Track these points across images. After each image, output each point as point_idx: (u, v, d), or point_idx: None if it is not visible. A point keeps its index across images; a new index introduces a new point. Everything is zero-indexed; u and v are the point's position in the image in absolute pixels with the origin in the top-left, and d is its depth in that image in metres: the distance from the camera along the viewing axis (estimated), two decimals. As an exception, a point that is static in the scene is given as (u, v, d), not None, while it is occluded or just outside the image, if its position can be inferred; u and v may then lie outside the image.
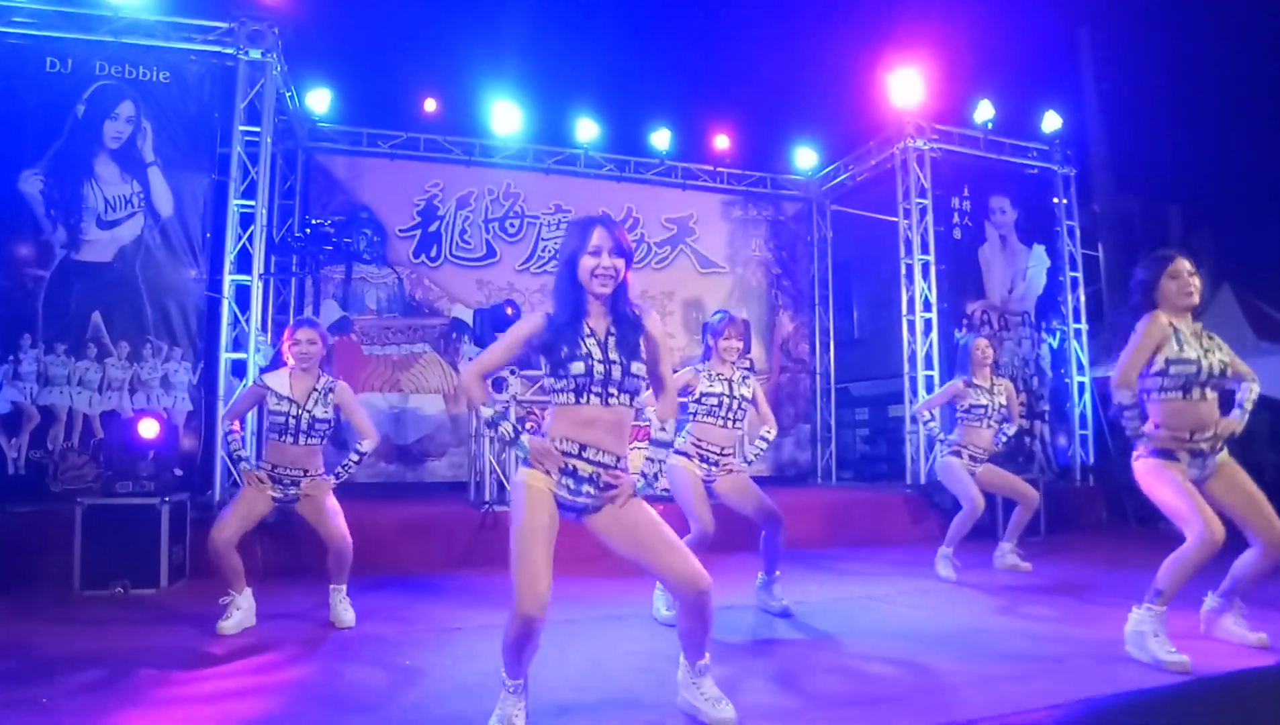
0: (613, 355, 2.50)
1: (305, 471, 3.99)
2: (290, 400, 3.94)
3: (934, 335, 8.00)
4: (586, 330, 2.52)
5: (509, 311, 6.48)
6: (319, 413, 3.98)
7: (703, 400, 4.21)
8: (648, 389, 2.73)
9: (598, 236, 2.51)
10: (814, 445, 9.83)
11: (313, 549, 5.18)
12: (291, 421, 3.94)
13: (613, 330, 2.53)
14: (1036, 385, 8.50)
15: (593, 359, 2.47)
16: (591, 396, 2.49)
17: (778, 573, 4.33)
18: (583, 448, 2.50)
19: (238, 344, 6.04)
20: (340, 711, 2.76)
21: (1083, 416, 8.66)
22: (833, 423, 10.00)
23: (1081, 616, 4.11)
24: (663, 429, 2.66)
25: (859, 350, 13.45)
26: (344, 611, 4.01)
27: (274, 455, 3.98)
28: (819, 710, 2.76)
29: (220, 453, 5.82)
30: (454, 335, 8.32)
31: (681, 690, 2.72)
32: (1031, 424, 8.37)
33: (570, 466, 2.50)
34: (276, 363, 4.54)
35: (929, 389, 7.94)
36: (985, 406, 5.34)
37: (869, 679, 3.14)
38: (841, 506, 7.32)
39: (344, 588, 4.10)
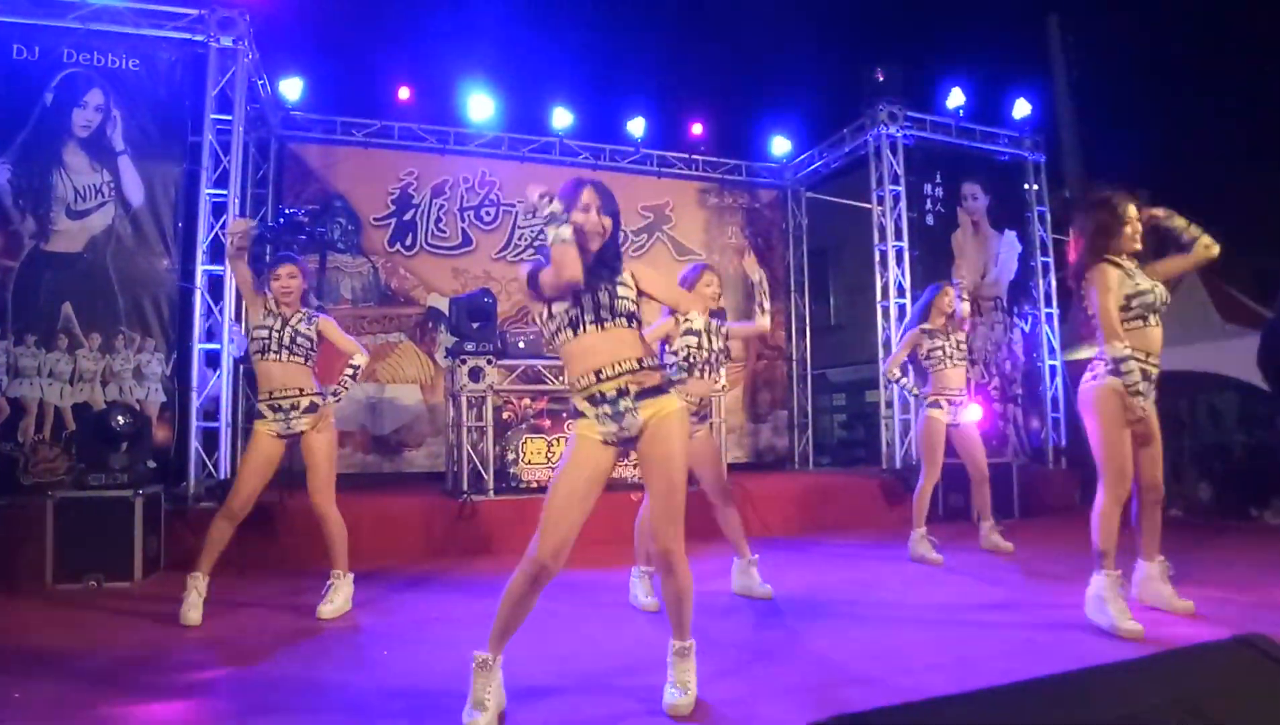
0: (599, 281, 2.60)
1: (300, 390, 4.03)
2: (274, 314, 4.04)
3: (908, 321, 8.08)
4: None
5: (486, 300, 6.48)
6: (302, 328, 4.06)
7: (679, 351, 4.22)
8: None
9: (587, 196, 2.65)
10: (791, 431, 9.92)
11: (292, 539, 5.22)
12: (275, 335, 4.01)
13: (593, 268, 2.61)
14: (1009, 369, 8.64)
15: (577, 290, 2.58)
16: (586, 324, 2.59)
17: (754, 555, 4.39)
18: (598, 372, 2.58)
19: (211, 334, 5.99)
20: (314, 704, 2.77)
21: (1054, 399, 8.81)
22: (809, 409, 10.08)
23: (1052, 595, 4.21)
24: (688, 319, 2.70)
25: (836, 336, 13.58)
26: (326, 603, 4.02)
27: (265, 381, 4.04)
28: (787, 695, 2.81)
29: (195, 444, 5.79)
30: (430, 324, 8.29)
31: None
32: (1004, 407, 8.50)
33: (598, 394, 2.58)
34: None
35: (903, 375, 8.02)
36: (942, 347, 5.44)
37: (838, 663, 3.19)
38: (817, 492, 7.41)
39: (341, 573, 4.11)
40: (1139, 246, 3.64)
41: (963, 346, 5.56)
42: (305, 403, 4.04)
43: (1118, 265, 3.59)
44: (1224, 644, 1.45)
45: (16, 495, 5.37)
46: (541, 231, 2.58)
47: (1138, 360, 3.52)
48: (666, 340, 4.24)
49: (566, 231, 2.50)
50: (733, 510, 4.35)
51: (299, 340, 4.05)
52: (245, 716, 2.63)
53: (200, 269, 5.96)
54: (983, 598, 4.28)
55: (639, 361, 2.61)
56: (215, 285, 6.02)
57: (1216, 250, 3.64)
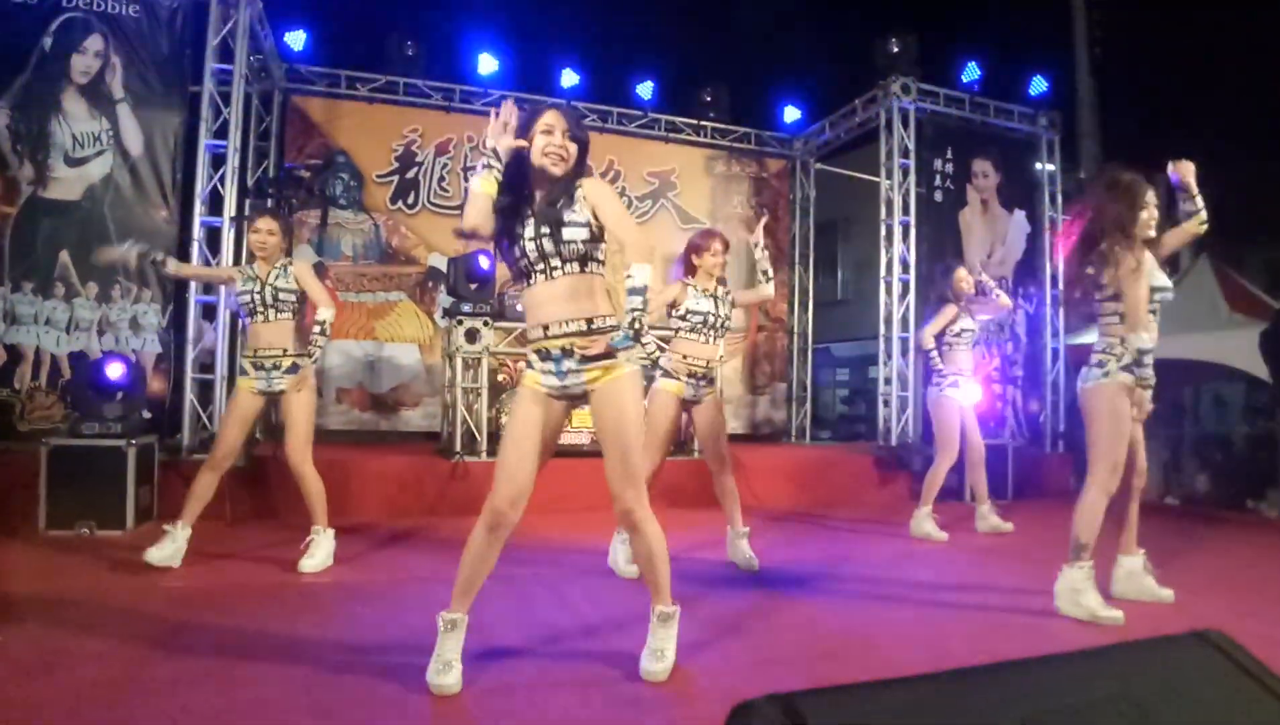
0: (543, 228, 2.47)
1: (284, 350, 4.09)
2: (254, 277, 4.08)
3: (911, 297, 8.02)
4: (528, 212, 2.52)
5: (484, 262, 6.44)
6: (280, 283, 4.08)
7: (688, 317, 4.22)
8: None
9: (550, 117, 2.51)
10: (789, 404, 9.90)
11: (284, 494, 5.25)
12: (257, 297, 4.07)
13: (543, 210, 2.47)
14: (1011, 350, 8.57)
15: (523, 238, 2.48)
16: (535, 275, 2.51)
17: (746, 528, 4.40)
18: (545, 327, 2.52)
19: (208, 287, 5.98)
20: (283, 658, 2.78)
21: (1055, 383, 8.75)
22: (809, 382, 10.05)
23: (1037, 578, 4.20)
24: (630, 276, 2.45)
25: (843, 311, 13.51)
26: (307, 558, 4.07)
27: (253, 339, 4.12)
28: (758, 668, 2.83)
29: (190, 396, 5.80)
30: (430, 284, 8.26)
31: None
32: (1004, 389, 8.45)
33: (544, 350, 2.53)
34: None
35: (904, 352, 7.99)
36: (972, 330, 5.44)
37: (814, 637, 3.20)
38: (811, 466, 7.41)
39: (321, 529, 4.17)
40: (1154, 234, 3.56)
41: (976, 329, 5.57)
42: (287, 363, 4.09)
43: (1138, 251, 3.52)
44: (1180, 638, 1.44)
45: (13, 441, 5.42)
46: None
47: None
48: (673, 305, 4.24)
49: (479, 183, 2.40)
50: (730, 479, 4.36)
51: (281, 296, 4.08)
52: (213, 668, 2.65)
53: (198, 220, 5.93)
54: (966, 578, 4.29)
55: (588, 322, 2.49)
56: (213, 237, 5.98)
57: (1206, 227, 3.58)
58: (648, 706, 2.41)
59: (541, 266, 2.49)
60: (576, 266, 2.49)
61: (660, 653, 2.62)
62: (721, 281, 4.32)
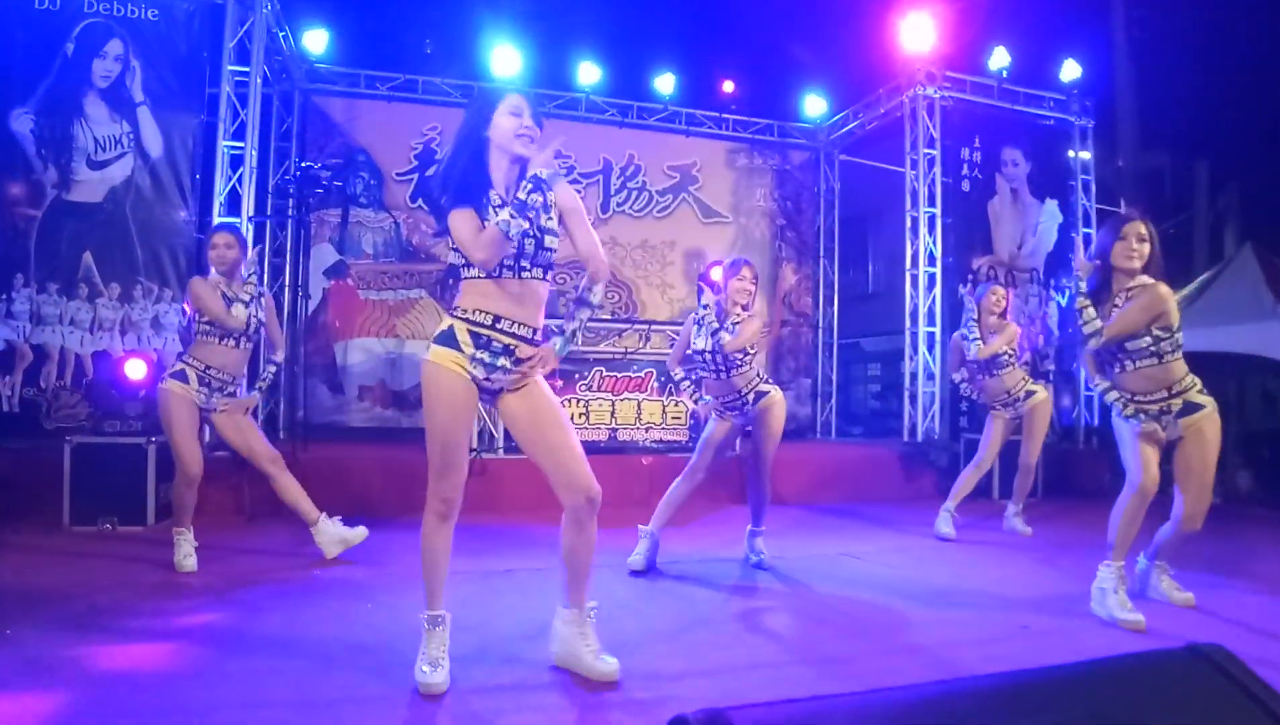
0: (528, 231, 2.39)
1: (233, 378, 4.09)
2: (231, 300, 3.95)
3: (938, 290, 7.85)
4: (496, 200, 2.43)
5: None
6: (259, 315, 4.05)
7: (698, 355, 4.20)
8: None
9: (515, 99, 2.48)
10: (814, 400, 9.76)
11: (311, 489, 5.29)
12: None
13: (520, 198, 2.36)
14: (1042, 344, 8.35)
15: (500, 230, 2.34)
16: (504, 268, 2.44)
17: (763, 527, 4.34)
18: (497, 319, 2.45)
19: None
20: (284, 652, 2.79)
21: (1088, 378, 8.49)
22: (834, 377, 9.89)
23: (1058, 580, 4.08)
24: (591, 292, 2.56)
25: (873, 304, 13.25)
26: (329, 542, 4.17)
27: (209, 356, 3.99)
28: (758, 669, 2.75)
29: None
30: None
31: (558, 642, 2.64)
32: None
33: (484, 337, 2.45)
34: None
35: (930, 346, 7.83)
36: (1005, 353, 5.31)
37: (822, 638, 3.13)
38: (834, 462, 7.29)
39: (310, 523, 4.23)
40: (1133, 265, 3.40)
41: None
42: (230, 389, 4.12)
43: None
44: (1175, 653, 1.33)
45: (40, 439, 5.53)
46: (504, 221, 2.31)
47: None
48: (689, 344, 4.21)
49: (511, 225, 2.30)
50: (764, 483, 4.29)
51: (253, 325, 4.03)
52: (217, 660, 2.67)
53: (217, 221, 5.99)
54: (985, 580, 4.15)
55: (534, 331, 2.51)
56: (232, 237, 6.04)
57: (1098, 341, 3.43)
58: (635, 709, 2.35)
59: (512, 264, 2.44)
60: (541, 273, 2.51)
61: (602, 650, 2.59)
62: (745, 307, 4.22)
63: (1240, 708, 1.24)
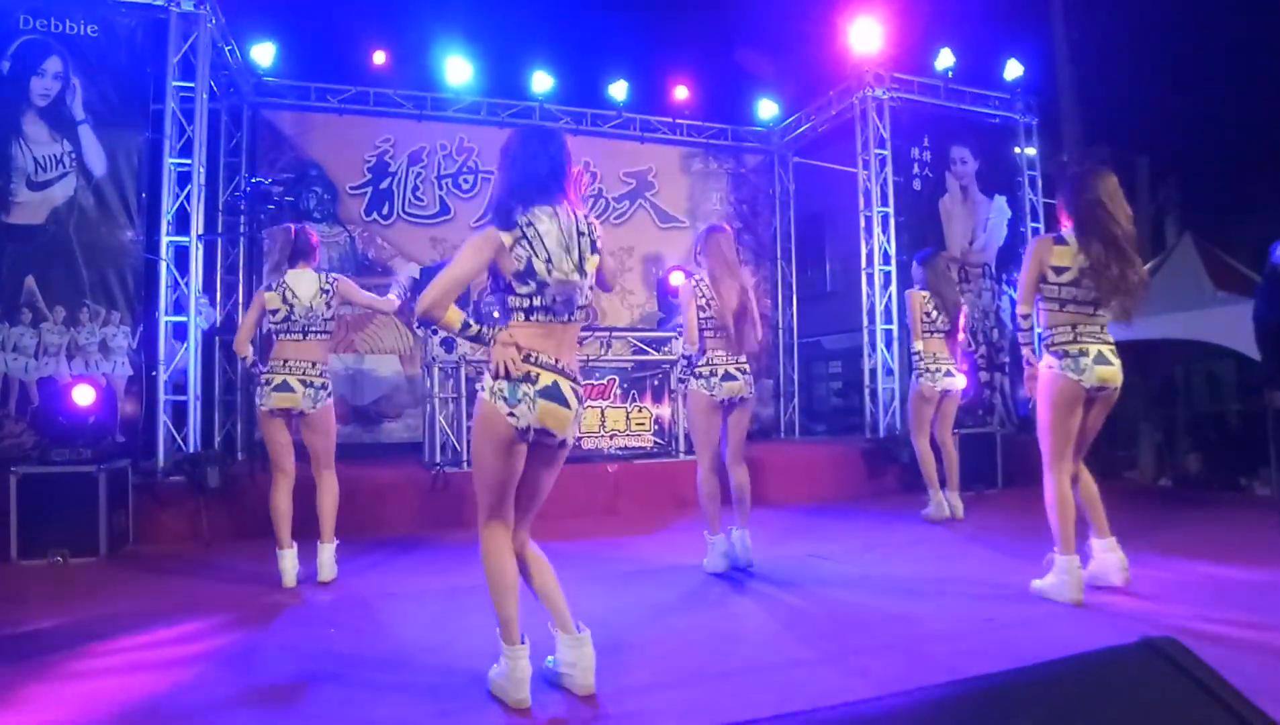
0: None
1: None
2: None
3: (893, 288, 7.96)
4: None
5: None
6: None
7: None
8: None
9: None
10: (777, 400, 9.84)
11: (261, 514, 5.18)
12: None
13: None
14: (996, 337, 8.51)
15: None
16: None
17: (724, 532, 4.34)
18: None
19: (178, 307, 5.92)
20: (259, 677, 2.75)
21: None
22: (796, 377, 9.99)
23: (1021, 573, 4.14)
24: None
25: (831, 303, 13.41)
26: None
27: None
28: (728, 678, 2.76)
29: (163, 418, 5.74)
30: (408, 294, 8.17)
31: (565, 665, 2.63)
32: (991, 376, 8.40)
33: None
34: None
35: (888, 343, 7.94)
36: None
37: (787, 643, 3.14)
38: (800, 461, 7.35)
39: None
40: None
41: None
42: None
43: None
44: (1129, 649, 1.37)
45: (-16, 470, 5.33)
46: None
47: None
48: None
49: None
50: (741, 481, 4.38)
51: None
52: (188, 690, 2.60)
53: (165, 240, 5.86)
54: (949, 574, 4.20)
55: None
56: (181, 257, 5.92)
57: None
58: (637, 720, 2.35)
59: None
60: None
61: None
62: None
63: (1192, 698, 1.28)
